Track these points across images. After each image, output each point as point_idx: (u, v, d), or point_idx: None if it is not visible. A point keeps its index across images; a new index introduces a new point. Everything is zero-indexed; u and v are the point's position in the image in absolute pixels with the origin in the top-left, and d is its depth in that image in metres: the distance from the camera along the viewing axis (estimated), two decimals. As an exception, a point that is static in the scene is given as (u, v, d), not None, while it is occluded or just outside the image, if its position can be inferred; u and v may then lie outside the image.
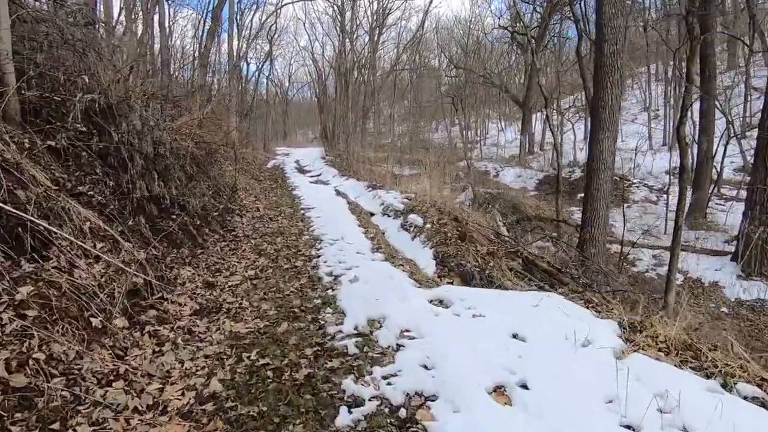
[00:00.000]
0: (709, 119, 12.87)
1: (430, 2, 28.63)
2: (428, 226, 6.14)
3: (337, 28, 24.70)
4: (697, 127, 13.32)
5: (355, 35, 24.16)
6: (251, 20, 23.38)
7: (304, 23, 42.23)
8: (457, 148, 24.85)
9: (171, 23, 22.54)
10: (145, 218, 4.18)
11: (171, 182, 4.78)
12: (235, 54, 17.45)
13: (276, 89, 35.78)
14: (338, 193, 9.79)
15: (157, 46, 14.73)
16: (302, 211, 7.70)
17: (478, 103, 31.69)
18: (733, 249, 11.34)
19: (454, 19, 38.94)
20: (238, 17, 21.27)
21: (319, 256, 5.06)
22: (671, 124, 22.00)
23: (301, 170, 15.49)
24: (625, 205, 17.42)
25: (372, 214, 7.98)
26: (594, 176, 7.64)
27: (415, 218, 6.53)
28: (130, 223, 3.91)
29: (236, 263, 4.79)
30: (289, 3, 22.86)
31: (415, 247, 5.87)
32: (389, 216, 7.39)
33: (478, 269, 5.03)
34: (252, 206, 7.78)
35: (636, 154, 19.97)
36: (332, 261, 4.81)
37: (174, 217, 4.92)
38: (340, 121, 21.56)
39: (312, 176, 13.91)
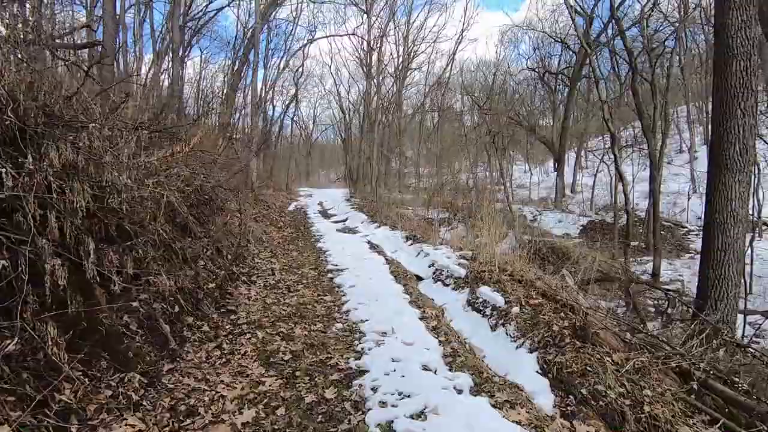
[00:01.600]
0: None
1: (457, 46, 27.68)
2: (515, 309, 4.03)
3: (363, 70, 23.66)
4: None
5: (381, 76, 23.02)
6: (279, 64, 22.59)
7: (330, 67, 42.05)
8: (486, 190, 22.88)
9: (203, 68, 21.91)
10: (58, 325, 2.22)
11: (129, 253, 2.86)
12: (259, 90, 16.16)
13: (301, 131, 35.02)
14: (371, 246, 7.79)
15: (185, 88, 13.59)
16: (330, 275, 5.69)
17: (504, 144, 30.07)
18: None
19: (478, 63, 37.99)
20: (264, 57, 20.41)
21: (362, 372, 2.98)
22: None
23: (325, 214, 13.67)
24: (687, 255, 14.97)
25: (419, 278, 5.91)
26: (719, 233, 5.47)
27: (490, 294, 4.44)
28: (11, 346, 1.95)
29: (225, 391, 2.74)
30: (316, 39, 22.04)
31: (501, 346, 3.74)
32: (446, 284, 5.31)
33: (627, 402, 2.87)
34: (266, 267, 5.82)
35: (688, 197, 17.64)
36: (387, 389, 2.72)
37: (134, 305, 2.97)
38: (366, 162, 19.98)
39: (337, 221, 12.02)
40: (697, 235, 15.96)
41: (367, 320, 3.95)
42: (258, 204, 11.79)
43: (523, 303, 4.10)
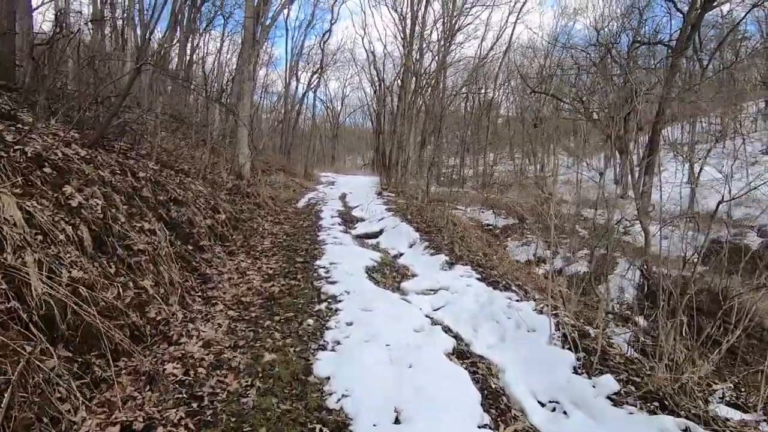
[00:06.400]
0: None
1: (516, 17, 21.70)
2: None
3: (399, 44, 17.98)
4: None
5: (426, 42, 17.32)
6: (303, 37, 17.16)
7: (362, 39, 36.36)
8: (546, 186, 17.17)
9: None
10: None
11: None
12: (257, 34, 10.46)
13: (327, 111, 29.73)
14: (470, 372, 2.54)
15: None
16: None
17: (549, 135, 24.04)
18: None
19: (528, 40, 31.48)
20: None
21: None
22: None
23: (348, 217, 8.42)
24: None
25: None
26: None
27: None
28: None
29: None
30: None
31: None
32: None
33: None
34: None
35: None
36: None
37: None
38: (403, 145, 14.63)
39: (367, 235, 6.79)
40: None
41: None
42: (239, 201, 6.64)
43: None
